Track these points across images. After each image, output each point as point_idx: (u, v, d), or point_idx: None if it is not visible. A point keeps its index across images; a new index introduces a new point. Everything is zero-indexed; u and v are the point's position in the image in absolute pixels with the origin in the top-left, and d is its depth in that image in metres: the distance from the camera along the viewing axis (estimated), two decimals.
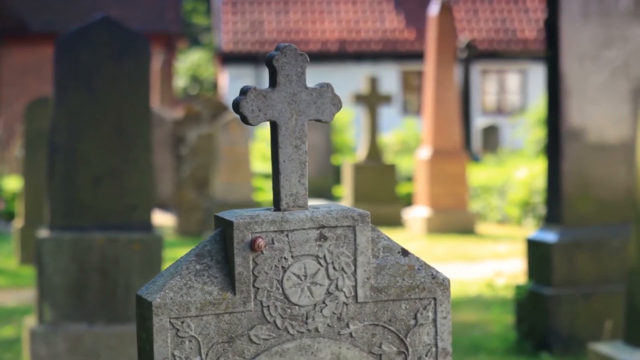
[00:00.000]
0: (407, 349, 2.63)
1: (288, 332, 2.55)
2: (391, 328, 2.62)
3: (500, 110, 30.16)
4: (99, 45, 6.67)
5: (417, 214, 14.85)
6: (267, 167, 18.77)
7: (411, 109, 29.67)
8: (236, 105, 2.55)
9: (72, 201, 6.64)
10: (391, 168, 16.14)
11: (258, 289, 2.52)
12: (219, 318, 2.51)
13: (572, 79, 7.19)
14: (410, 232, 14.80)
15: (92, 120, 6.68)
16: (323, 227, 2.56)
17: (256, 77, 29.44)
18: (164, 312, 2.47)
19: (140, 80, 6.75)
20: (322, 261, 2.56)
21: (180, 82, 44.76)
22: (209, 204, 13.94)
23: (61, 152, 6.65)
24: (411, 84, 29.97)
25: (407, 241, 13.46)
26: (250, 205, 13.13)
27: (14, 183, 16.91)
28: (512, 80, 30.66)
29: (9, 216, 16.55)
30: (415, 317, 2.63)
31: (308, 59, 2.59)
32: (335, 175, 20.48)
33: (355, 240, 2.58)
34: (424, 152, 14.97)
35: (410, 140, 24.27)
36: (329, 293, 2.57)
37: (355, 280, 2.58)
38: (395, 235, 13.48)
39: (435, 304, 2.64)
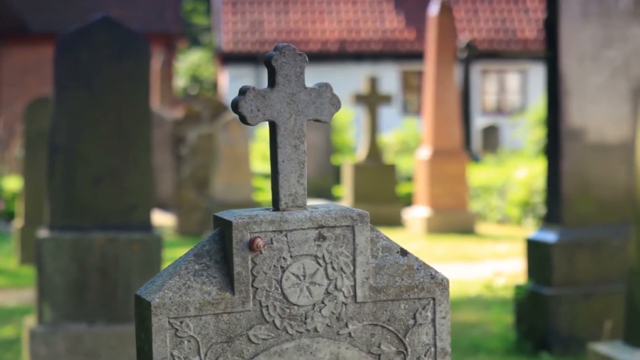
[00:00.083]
0: (406, 349, 2.63)
1: (287, 332, 2.55)
2: (390, 328, 2.62)
3: (500, 110, 30.16)
4: (99, 45, 6.67)
5: (417, 214, 14.84)
6: (267, 167, 18.77)
7: (411, 109, 29.66)
8: (235, 105, 2.55)
9: (72, 201, 6.63)
10: (391, 168, 16.13)
11: (257, 288, 2.52)
12: (217, 318, 2.51)
13: (572, 79, 7.19)
14: (410, 232, 14.79)
15: (92, 120, 6.68)
16: (322, 227, 2.56)
17: (256, 77, 29.44)
18: (162, 312, 2.47)
19: (140, 80, 6.75)
20: (321, 261, 2.56)
21: (180, 82, 44.75)
22: (209, 204, 13.94)
23: (61, 152, 6.65)
24: (411, 84, 29.97)
25: (407, 241, 13.45)
26: (250, 205, 13.12)
27: (14, 183, 16.90)
28: (512, 80, 30.66)
29: (9, 216, 16.55)
30: (414, 317, 2.63)
31: (307, 59, 2.59)
32: (335, 175, 20.47)
33: (354, 240, 2.58)
34: (424, 152, 14.96)
35: (410, 140, 24.27)
36: (327, 293, 2.57)
37: (354, 280, 2.58)
38: (395, 235, 13.47)
39: (434, 304, 2.64)
